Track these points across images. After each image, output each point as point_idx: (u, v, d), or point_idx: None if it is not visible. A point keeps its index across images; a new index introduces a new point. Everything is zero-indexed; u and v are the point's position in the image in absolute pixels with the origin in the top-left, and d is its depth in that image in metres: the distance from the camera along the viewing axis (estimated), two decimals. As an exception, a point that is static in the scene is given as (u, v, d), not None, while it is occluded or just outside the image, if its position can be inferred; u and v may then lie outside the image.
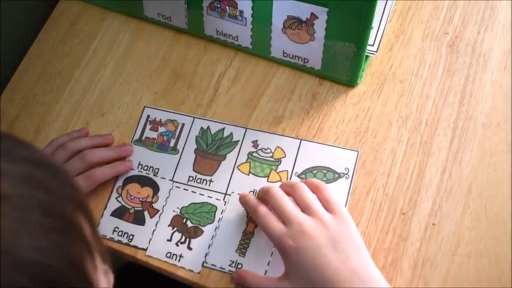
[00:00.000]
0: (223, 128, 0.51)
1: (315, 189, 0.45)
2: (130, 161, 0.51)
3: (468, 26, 0.52)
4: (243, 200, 0.46)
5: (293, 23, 0.49)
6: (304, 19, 0.48)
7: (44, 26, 0.61)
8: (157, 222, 0.49)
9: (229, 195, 0.49)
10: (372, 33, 0.51)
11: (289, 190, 0.45)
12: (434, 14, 0.53)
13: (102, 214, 0.50)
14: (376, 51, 0.50)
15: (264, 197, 0.45)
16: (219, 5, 0.52)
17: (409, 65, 0.51)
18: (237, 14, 0.51)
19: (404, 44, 0.52)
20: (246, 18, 0.51)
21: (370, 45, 0.50)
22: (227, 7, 0.51)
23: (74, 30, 0.60)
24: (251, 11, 0.50)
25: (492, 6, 0.52)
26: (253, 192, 0.48)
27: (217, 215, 0.48)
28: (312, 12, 0.48)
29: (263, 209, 0.44)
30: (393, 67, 0.51)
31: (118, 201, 0.50)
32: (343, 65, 0.50)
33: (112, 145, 0.52)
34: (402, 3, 0.53)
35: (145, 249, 0.48)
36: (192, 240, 0.48)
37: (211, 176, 0.50)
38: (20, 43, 0.60)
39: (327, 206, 0.44)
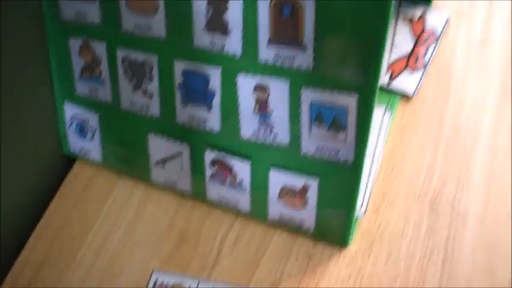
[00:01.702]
0: (227, 290, 0.55)
1: None
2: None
3: (446, 186, 0.57)
4: None
5: (288, 192, 0.55)
6: (297, 189, 0.54)
7: (59, 189, 0.66)
8: None
9: None
10: (359, 196, 0.56)
11: None
12: (416, 174, 0.58)
13: None
14: (364, 213, 0.55)
15: None
16: (220, 174, 0.57)
17: (395, 225, 0.56)
18: (237, 183, 0.57)
19: (390, 204, 0.57)
20: (245, 186, 0.56)
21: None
22: (228, 176, 0.57)
23: (87, 194, 0.65)
24: (250, 181, 0.56)
25: (467, 166, 0.58)
26: None
27: None
28: (304, 183, 0.53)
29: None
30: (381, 227, 0.56)
31: None
32: (334, 228, 0.54)
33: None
34: (386, 164, 0.59)
35: None
36: None
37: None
38: (35, 207, 0.65)
39: None
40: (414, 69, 0.63)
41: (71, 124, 0.64)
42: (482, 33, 0.67)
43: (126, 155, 0.63)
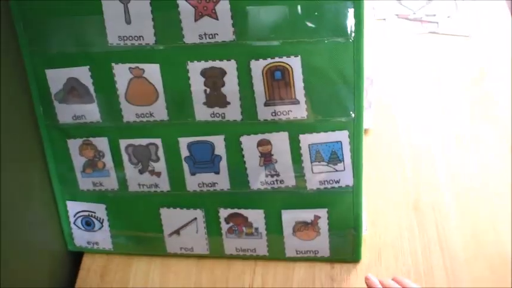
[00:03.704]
0: (271, 327, 0.61)
1: None
2: None
3: (421, 192, 0.68)
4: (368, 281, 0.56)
5: (301, 227, 0.62)
6: (309, 221, 0.62)
7: (76, 284, 0.68)
8: None
9: None
10: (358, 216, 0.65)
11: None
12: (395, 189, 0.69)
13: None
14: (366, 230, 0.64)
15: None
16: (236, 228, 0.64)
17: (392, 232, 0.65)
18: (253, 231, 0.64)
19: (382, 217, 0.67)
20: (261, 232, 0.63)
21: (360, 226, 0.64)
22: (244, 228, 0.64)
23: (105, 282, 0.67)
24: (265, 226, 0.63)
25: (432, 173, 0.70)
26: None
27: None
28: (315, 215, 0.62)
29: None
30: (382, 236, 0.65)
31: None
32: (347, 247, 0.63)
33: None
34: (368, 186, 0.69)
35: None
36: None
37: None
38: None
39: None
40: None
41: (75, 221, 0.68)
42: (408, 66, 0.81)
43: (138, 234, 0.67)
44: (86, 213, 0.67)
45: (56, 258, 0.69)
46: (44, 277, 0.66)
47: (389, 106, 0.78)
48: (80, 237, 0.69)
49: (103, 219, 0.67)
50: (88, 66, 0.59)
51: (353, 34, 0.54)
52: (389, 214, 0.67)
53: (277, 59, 0.55)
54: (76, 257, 0.70)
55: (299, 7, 0.53)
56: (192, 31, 0.55)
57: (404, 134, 0.75)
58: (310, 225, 0.62)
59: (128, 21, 0.56)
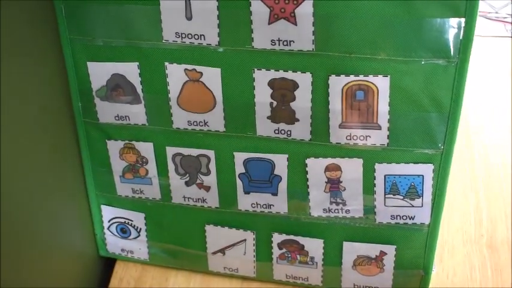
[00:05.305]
0: None
1: None
2: None
3: (497, 225, 0.61)
4: None
5: (363, 261, 0.56)
6: (373, 256, 0.55)
7: (106, 293, 0.63)
8: None
9: None
10: (426, 251, 0.58)
11: None
12: (466, 220, 0.61)
13: None
14: (435, 268, 0.57)
15: None
16: (289, 255, 0.57)
17: (462, 271, 0.58)
18: (308, 260, 0.57)
19: (451, 253, 0.60)
20: (316, 262, 0.57)
21: (427, 263, 0.57)
22: (298, 255, 0.57)
23: (139, 295, 0.62)
24: (322, 257, 0.56)
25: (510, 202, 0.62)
26: None
27: None
28: (380, 250, 0.55)
29: None
30: (449, 276, 0.58)
31: None
32: (412, 287, 0.56)
33: None
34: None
35: None
36: None
37: None
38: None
39: None
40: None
41: (109, 226, 0.61)
42: (485, 74, 0.72)
43: (179, 249, 0.60)
44: (122, 220, 0.61)
45: (86, 262, 0.63)
46: (72, 279, 0.61)
47: (462, 119, 0.69)
48: (114, 244, 0.62)
49: (140, 229, 0.61)
50: (137, 63, 0.51)
51: (457, 56, 0.45)
52: (459, 250, 0.60)
53: (361, 77, 0.47)
54: (107, 264, 0.64)
55: (396, 20, 0.44)
56: (264, 35, 0.47)
57: (480, 154, 0.67)
58: (374, 261, 0.55)
59: (189, 17, 0.48)
